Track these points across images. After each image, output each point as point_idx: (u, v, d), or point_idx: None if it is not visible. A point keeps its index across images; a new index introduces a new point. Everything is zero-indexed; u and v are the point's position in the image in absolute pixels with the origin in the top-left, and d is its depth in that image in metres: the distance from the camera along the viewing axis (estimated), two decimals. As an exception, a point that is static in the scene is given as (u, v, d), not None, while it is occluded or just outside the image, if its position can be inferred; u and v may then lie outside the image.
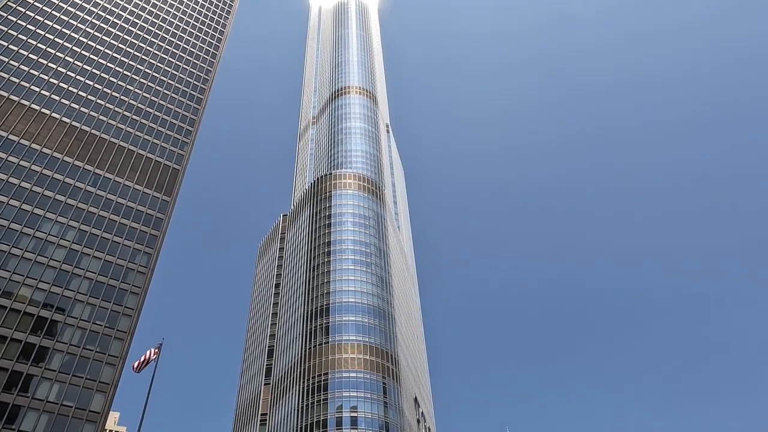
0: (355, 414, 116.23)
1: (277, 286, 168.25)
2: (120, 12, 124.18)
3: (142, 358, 59.14)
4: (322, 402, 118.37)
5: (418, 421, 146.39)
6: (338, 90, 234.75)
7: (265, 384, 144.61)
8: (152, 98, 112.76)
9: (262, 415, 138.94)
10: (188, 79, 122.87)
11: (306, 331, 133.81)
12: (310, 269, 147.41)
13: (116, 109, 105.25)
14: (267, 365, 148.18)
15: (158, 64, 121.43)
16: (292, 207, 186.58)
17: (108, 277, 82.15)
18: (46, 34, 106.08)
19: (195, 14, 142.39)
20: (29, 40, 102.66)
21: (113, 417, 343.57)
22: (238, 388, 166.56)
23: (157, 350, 60.30)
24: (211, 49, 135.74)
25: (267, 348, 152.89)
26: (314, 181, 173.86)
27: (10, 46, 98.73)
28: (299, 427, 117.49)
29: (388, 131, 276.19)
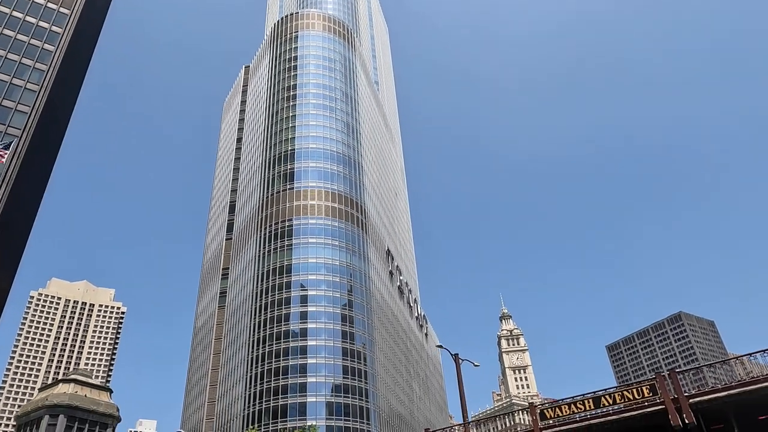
0: (314, 260, 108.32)
1: (239, 140, 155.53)
2: None
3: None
4: (280, 249, 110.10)
5: (391, 273, 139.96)
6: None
7: (227, 239, 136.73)
8: None
9: (224, 269, 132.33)
10: None
11: (265, 179, 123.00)
12: (270, 116, 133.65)
13: None
14: (229, 220, 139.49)
15: None
16: (256, 55, 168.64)
17: (-14, 94, 68.87)
18: None
19: None
20: None
21: (108, 294, 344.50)
22: (204, 246, 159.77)
23: (4, 149, 48.77)
24: None
25: (229, 204, 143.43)
26: (277, 22, 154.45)
27: None
28: (259, 274, 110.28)
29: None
